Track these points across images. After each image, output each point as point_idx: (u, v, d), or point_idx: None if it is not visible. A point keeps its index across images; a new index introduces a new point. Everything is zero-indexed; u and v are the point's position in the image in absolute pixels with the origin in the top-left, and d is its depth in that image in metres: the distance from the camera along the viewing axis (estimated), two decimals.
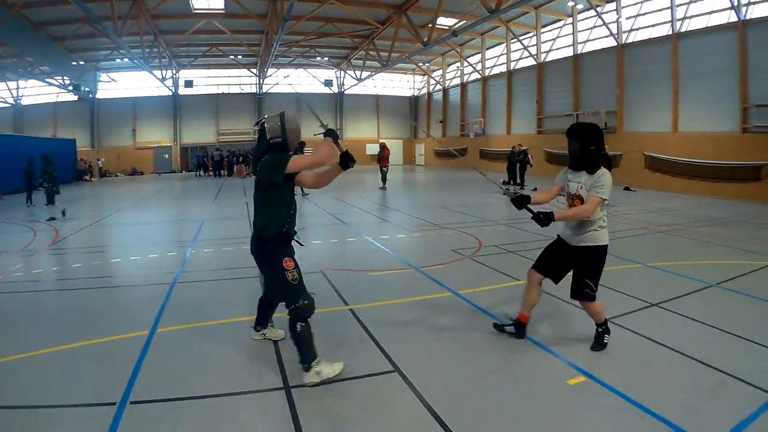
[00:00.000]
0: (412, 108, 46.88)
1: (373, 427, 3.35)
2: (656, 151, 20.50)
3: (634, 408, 3.49)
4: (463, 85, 37.46)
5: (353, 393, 3.80)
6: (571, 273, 4.51)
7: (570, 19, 26.02)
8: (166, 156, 39.57)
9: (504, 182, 20.91)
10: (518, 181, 20.64)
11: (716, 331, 4.90)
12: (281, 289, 3.98)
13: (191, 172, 36.51)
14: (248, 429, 3.31)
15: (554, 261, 4.58)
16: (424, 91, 44.94)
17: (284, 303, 4.00)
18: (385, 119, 45.01)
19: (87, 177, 32.18)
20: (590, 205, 4.19)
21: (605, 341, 4.51)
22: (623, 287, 6.25)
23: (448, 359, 4.41)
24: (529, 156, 21.38)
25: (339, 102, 43.28)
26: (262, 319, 4.67)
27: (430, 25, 24.54)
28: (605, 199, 4.20)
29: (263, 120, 4.08)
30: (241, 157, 34.35)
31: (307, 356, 3.84)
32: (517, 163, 20.60)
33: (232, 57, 36.70)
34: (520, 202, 4.33)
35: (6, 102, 36.47)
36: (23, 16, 22.67)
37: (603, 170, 4.29)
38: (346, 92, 43.37)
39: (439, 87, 41.64)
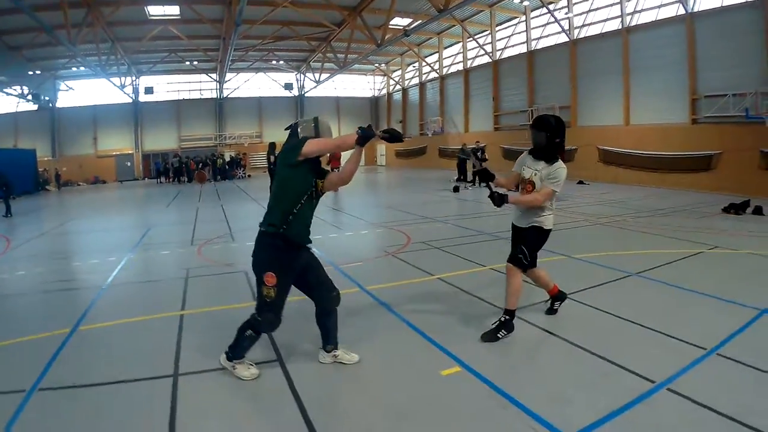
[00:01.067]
0: (373, 109, 47.28)
1: (235, 412, 3.62)
2: (609, 144, 21.14)
3: (499, 398, 3.58)
4: (422, 85, 38.03)
5: (230, 378, 4.05)
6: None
7: (524, 17, 26.65)
8: (128, 164, 39.32)
9: (457, 179, 21.36)
10: (470, 178, 21.09)
11: (617, 320, 5.01)
12: (258, 297, 3.93)
13: (154, 179, 36.36)
14: (133, 410, 3.63)
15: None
16: (384, 91, 45.38)
17: (256, 308, 3.97)
18: (346, 121, 45.08)
19: (48, 187, 31.92)
20: (542, 195, 4.49)
21: (499, 336, 4.57)
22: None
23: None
24: (485, 154, 21.57)
25: (300, 105, 43.48)
26: (329, 335, 4.26)
27: (384, 26, 24.95)
28: (556, 192, 4.53)
29: (297, 123, 4.04)
30: (201, 164, 34.43)
31: (236, 353, 4.03)
32: (466, 159, 21.09)
33: (188, 63, 36.70)
34: (484, 175, 4.66)
35: None
36: None
37: (560, 163, 4.56)
38: (306, 95, 43.61)
39: (398, 87, 42.11)
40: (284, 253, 3.85)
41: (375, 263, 8.14)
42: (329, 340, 4.26)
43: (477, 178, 20.21)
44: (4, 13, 21.25)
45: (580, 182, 20.17)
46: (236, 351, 4.04)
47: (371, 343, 4.72)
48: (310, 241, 4.05)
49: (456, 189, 19.37)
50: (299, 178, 3.87)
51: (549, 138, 4.52)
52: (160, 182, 34.22)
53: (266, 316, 3.89)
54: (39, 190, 30.36)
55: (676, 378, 3.74)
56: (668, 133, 18.65)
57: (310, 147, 3.78)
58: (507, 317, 4.65)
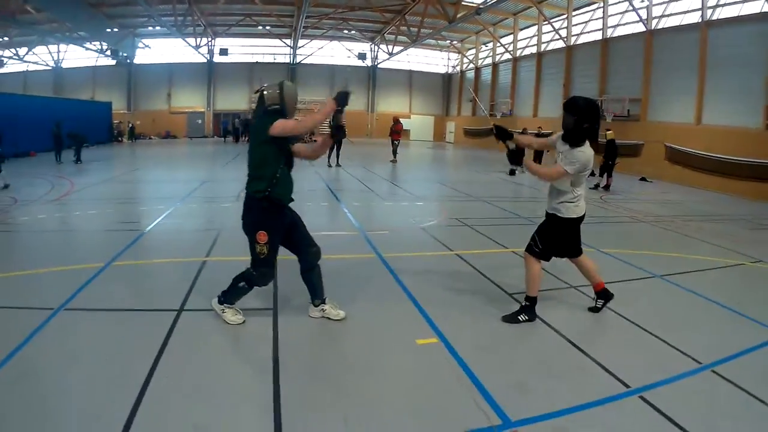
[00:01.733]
0: (445, 85, 46.81)
1: (217, 347, 4.00)
2: (677, 142, 19.91)
3: (461, 373, 3.62)
4: (495, 65, 37.29)
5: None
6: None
7: (602, 2, 25.60)
8: (199, 121, 40.74)
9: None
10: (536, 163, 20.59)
11: (618, 319, 4.79)
12: (251, 254, 4.21)
13: (222, 138, 37.43)
14: (134, 334, 4.14)
15: None
16: (458, 69, 44.79)
17: (250, 265, 4.26)
18: (417, 95, 44.98)
19: (121, 139, 33.69)
20: (553, 170, 4.38)
21: (519, 319, 4.56)
22: (556, 268, 5.91)
23: None
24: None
25: (372, 75, 43.59)
26: (315, 290, 4.56)
27: (457, 3, 24.62)
28: (568, 172, 4.28)
29: (263, 88, 4.21)
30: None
31: (228, 299, 4.36)
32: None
33: (260, 27, 37.46)
34: (501, 132, 4.69)
35: (47, 65, 38.24)
36: None
37: (584, 147, 4.32)
38: (379, 66, 43.52)
39: (471, 66, 41.54)
40: (271, 213, 4.14)
41: (401, 233, 8.30)
42: (316, 295, 4.54)
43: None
44: None
45: (643, 179, 19.30)
46: (228, 297, 4.38)
47: (365, 304, 4.93)
48: (293, 200, 4.31)
49: (512, 172, 18.96)
50: (274, 150, 4.10)
51: (576, 122, 4.30)
52: (226, 141, 35.37)
53: (261, 270, 4.20)
54: (112, 141, 31.99)
55: (654, 387, 3.53)
56: (740, 137, 17.31)
57: (277, 130, 3.98)
58: (527, 303, 4.63)
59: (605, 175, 14.92)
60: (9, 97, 25.18)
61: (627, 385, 3.54)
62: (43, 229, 8.06)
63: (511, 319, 4.59)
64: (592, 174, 17.96)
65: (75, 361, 3.63)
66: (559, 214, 4.51)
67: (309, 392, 3.36)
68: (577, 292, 5.42)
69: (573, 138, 4.34)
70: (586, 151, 4.31)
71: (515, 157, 4.51)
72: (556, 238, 4.59)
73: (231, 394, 3.28)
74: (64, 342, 3.94)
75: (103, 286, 5.23)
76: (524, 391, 3.45)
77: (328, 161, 18.44)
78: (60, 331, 4.13)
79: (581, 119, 4.29)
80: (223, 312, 4.39)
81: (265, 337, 4.13)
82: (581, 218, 4.60)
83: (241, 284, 4.28)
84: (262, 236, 4.10)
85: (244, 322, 4.39)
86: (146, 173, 16.30)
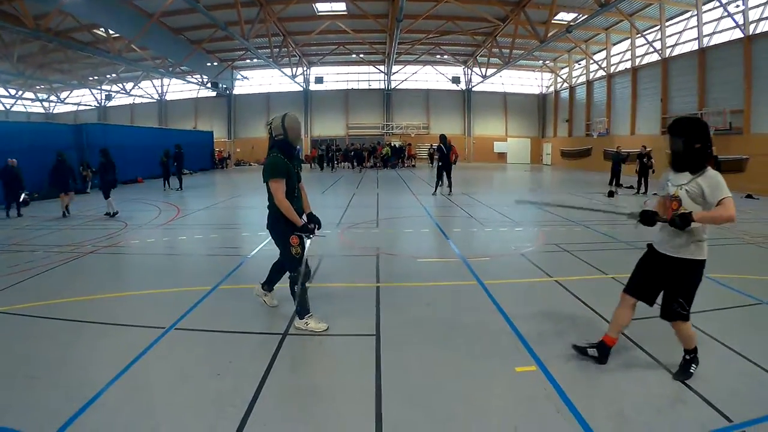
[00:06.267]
0: (540, 106, 45.87)
1: (322, 370, 4.23)
2: None
3: (559, 402, 3.55)
4: (589, 83, 36.16)
5: (329, 344, 4.65)
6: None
7: (696, 10, 24.21)
8: (297, 147, 42.19)
9: (611, 183, 20.08)
10: (628, 184, 19.56)
11: (721, 348, 4.46)
12: (286, 259, 4.87)
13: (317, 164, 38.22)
14: (241, 356, 4.36)
15: (648, 280, 4.07)
16: (552, 89, 43.84)
17: (287, 269, 4.95)
18: (513, 117, 44.59)
19: (223, 165, 35.82)
20: (727, 208, 3.59)
21: (691, 371, 3.98)
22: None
23: (421, 329, 4.96)
24: (652, 160, 19.43)
25: (467, 99, 43.66)
26: (270, 281, 5.49)
27: (548, 22, 24.26)
28: (730, 198, 3.62)
29: (270, 121, 4.79)
30: (350, 152, 36.89)
31: (302, 310, 4.87)
32: (620, 163, 19.79)
33: (354, 55, 38.74)
34: (647, 218, 3.92)
35: (152, 97, 43.09)
36: (162, 24, 26.37)
37: (712, 170, 3.75)
38: (473, 89, 43.44)
39: (565, 85, 40.53)
40: (293, 223, 4.72)
41: (501, 260, 8.12)
42: (270, 286, 5.52)
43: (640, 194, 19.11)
44: (185, 12, 24.01)
45: (749, 196, 17.70)
46: (302, 308, 4.88)
47: (465, 331, 4.88)
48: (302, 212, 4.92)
49: (611, 194, 18.22)
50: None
51: (686, 143, 3.75)
52: (312, 167, 36.46)
53: (299, 269, 4.72)
54: (214, 168, 34.00)
55: (757, 423, 3.28)
56: None
57: (270, 185, 4.65)
58: (689, 356, 4.01)
59: None
60: (118, 128, 27.73)
61: (729, 419, 3.33)
62: (153, 252, 8.78)
63: (684, 375, 3.97)
64: None
65: (185, 379, 3.92)
66: (698, 257, 3.81)
67: (410, 419, 3.38)
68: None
69: (689, 163, 3.79)
70: (717, 172, 3.74)
71: (683, 220, 3.65)
72: (697, 286, 3.88)
73: (335, 419, 3.38)
74: (175, 359, 4.27)
75: (210, 308, 5.65)
76: (623, 423, 3.35)
77: (434, 190, 18.31)
78: (171, 349, 4.49)
79: (691, 139, 3.75)
80: (307, 325, 4.86)
81: (367, 363, 4.21)
82: None
83: (297, 288, 4.73)
84: (295, 240, 4.75)
85: (327, 328, 4.86)
86: (245, 200, 17.24)
